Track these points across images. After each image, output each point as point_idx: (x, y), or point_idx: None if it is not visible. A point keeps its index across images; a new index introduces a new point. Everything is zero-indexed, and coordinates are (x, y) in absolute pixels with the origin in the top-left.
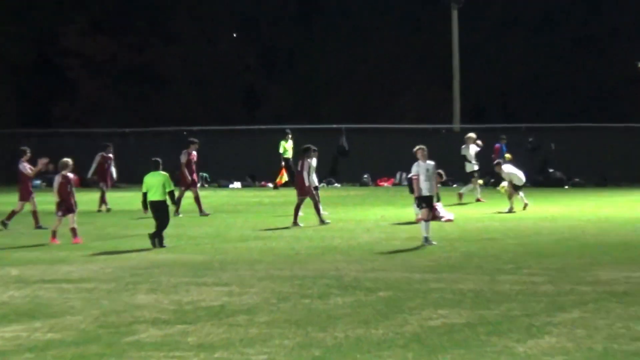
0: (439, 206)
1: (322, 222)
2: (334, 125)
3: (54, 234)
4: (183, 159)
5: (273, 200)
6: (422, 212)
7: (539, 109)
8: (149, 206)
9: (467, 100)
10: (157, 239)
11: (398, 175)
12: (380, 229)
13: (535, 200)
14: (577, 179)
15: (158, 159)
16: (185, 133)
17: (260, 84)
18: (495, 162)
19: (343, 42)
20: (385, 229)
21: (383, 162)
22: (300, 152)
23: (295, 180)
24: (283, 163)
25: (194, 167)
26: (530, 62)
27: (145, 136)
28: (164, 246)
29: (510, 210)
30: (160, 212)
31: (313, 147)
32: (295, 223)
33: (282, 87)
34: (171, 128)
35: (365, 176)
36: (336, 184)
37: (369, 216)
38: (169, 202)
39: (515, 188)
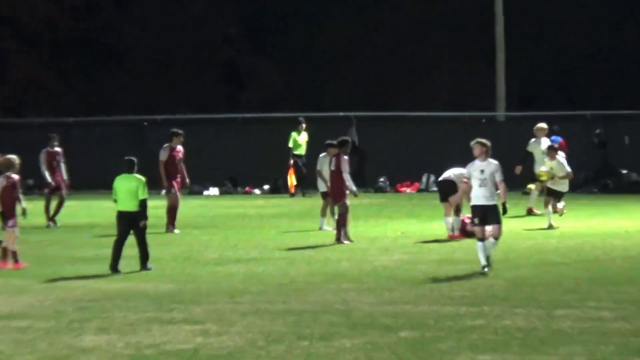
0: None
1: (343, 240)
2: (341, 114)
3: (5, 253)
4: (163, 156)
5: (261, 212)
6: (476, 230)
7: (608, 91)
8: (119, 219)
9: (514, 80)
10: (142, 261)
11: (424, 179)
12: (402, 249)
13: (604, 211)
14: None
15: (132, 158)
16: (146, 124)
17: (244, 59)
18: (549, 146)
19: (351, 4)
20: (407, 249)
21: (405, 161)
22: (334, 146)
23: (331, 184)
24: (292, 161)
25: (179, 166)
26: (598, 32)
27: (92, 128)
28: (149, 268)
29: (551, 227)
30: (135, 226)
31: (350, 139)
32: (341, 239)
33: (272, 64)
34: (128, 117)
35: (382, 180)
36: None
37: (387, 232)
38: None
39: (555, 194)
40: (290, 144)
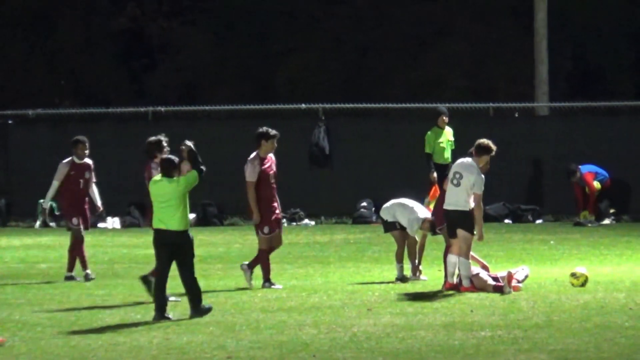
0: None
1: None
2: (303, 106)
3: None
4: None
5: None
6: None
7: None
8: (158, 243)
9: (560, 59)
10: (162, 297)
11: (426, 200)
12: (393, 308)
13: None
14: None
15: (171, 157)
16: (10, 122)
17: (154, 29)
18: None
19: None
20: (401, 308)
21: (398, 175)
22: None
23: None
24: (434, 174)
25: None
26: None
27: None
28: (169, 318)
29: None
30: (179, 251)
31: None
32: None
33: (198, 35)
34: None
35: (364, 205)
36: (306, 220)
37: (372, 280)
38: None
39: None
40: (429, 149)
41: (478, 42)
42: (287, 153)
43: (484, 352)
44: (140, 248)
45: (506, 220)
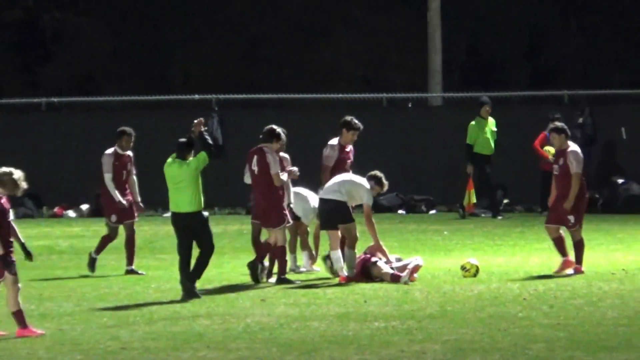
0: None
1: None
2: (196, 96)
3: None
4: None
5: (78, 244)
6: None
7: (595, 64)
8: (174, 225)
9: (454, 50)
10: (187, 282)
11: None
12: (287, 298)
13: (590, 239)
14: None
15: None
16: None
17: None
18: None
19: None
20: (295, 298)
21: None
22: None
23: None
24: (470, 167)
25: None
26: None
27: None
28: (198, 296)
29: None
30: (194, 232)
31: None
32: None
33: (92, 26)
34: None
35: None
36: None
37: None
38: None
39: None
40: (470, 140)
41: (372, 32)
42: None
43: (377, 342)
44: (33, 239)
45: (400, 211)
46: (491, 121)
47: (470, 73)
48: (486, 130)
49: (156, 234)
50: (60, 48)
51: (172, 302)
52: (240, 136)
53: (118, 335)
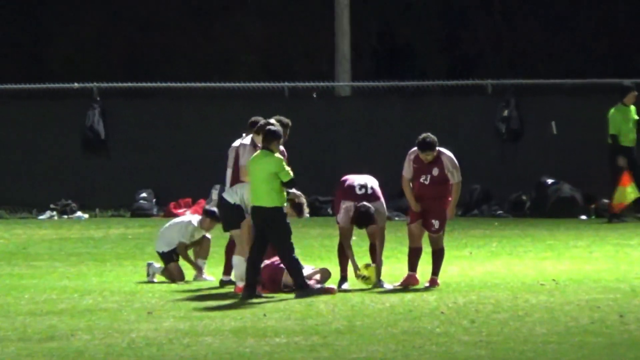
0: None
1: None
2: (75, 85)
3: None
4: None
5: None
6: None
7: (520, 52)
8: (253, 219)
9: (364, 35)
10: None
11: (214, 193)
12: (176, 311)
13: (515, 246)
14: (606, 200)
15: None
16: None
17: None
18: None
19: None
20: (186, 311)
21: (181, 164)
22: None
23: None
24: (621, 160)
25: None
26: None
27: None
28: (261, 296)
29: None
30: (268, 229)
31: None
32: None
33: None
34: None
35: (144, 195)
36: (79, 213)
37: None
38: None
39: None
40: (614, 130)
41: (272, 16)
42: (58, 138)
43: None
44: None
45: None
46: (634, 109)
47: (382, 60)
48: (630, 120)
49: (30, 239)
50: None
51: (48, 313)
52: (124, 129)
53: None
